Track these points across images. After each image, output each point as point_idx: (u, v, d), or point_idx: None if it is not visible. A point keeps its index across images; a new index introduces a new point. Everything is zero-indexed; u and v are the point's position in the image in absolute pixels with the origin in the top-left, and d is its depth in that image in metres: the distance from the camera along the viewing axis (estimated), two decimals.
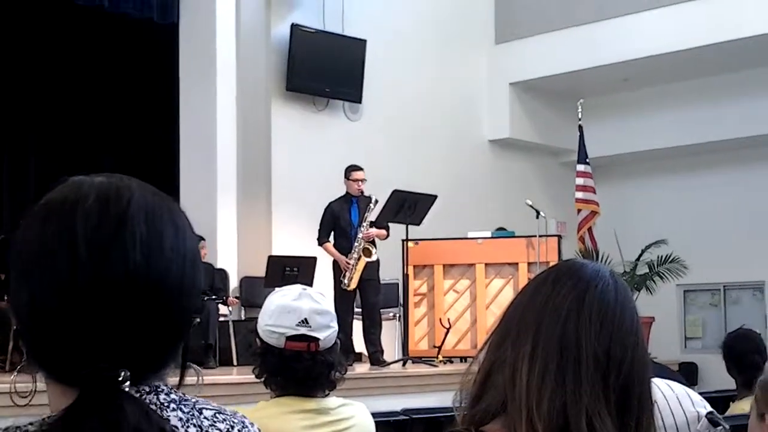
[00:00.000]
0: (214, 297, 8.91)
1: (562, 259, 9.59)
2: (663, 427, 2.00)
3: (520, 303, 1.34)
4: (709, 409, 2.03)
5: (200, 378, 1.15)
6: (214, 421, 1.14)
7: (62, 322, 1.04)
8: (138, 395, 1.05)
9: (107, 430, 0.98)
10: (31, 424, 1.05)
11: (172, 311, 1.09)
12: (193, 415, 1.12)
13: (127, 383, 1.02)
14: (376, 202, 8.59)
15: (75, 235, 1.05)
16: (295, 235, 9.84)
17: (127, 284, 1.05)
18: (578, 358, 1.27)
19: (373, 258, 8.54)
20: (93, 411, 0.99)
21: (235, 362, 8.80)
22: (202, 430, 1.12)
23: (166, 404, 1.10)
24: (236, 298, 9.57)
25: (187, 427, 1.10)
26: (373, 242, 8.58)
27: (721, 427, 2.01)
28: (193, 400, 1.14)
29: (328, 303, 2.67)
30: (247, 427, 1.18)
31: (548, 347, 1.27)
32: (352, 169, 8.78)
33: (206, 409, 1.15)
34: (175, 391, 1.12)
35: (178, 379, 1.14)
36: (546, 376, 1.25)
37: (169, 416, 1.09)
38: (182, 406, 1.12)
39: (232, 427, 1.15)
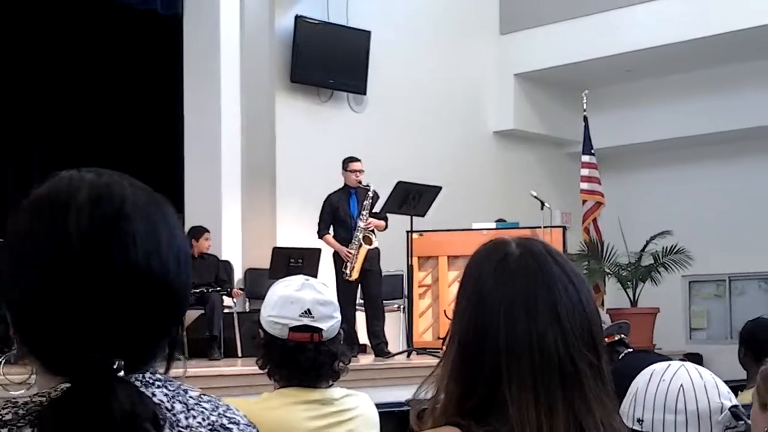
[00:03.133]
0: (218, 289, 8.91)
1: (567, 251, 9.62)
2: (684, 410, 1.99)
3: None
4: (735, 402, 2.02)
5: (185, 369, 1.17)
6: (200, 401, 1.17)
7: (57, 316, 1.06)
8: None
9: (99, 411, 1.01)
10: (25, 403, 1.07)
11: (167, 306, 1.12)
12: (178, 393, 1.15)
13: (122, 372, 1.05)
14: (375, 192, 8.59)
15: (67, 231, 1.07)
16: (300, 226, 9.84)
17: (126, 280, 1.08)
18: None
19: (374, 245, 8.54)
20: (86, 394, 1.02)
21: (239, 354, 8.82)
22: (187, 406, 1.15)
23: (151, 382, 1.13)
24: (241, 289, 9.58)
25: (173, 402, 1.13)
26: (372, 231, 8.58)
27: (743, 422, 2.01)
28: (178, 383, 1.17)
29: (331, 293, 2.67)
30: (231, 409, 1.20)
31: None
32: (349, 160, 8.78)
33: (191, 390, 1.18)
34: (160, 374, 1.15)
35: (164, 369, 1.16)
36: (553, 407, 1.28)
37: (154, 392, 1.12)
38: (167, 385, 1.15)
39: (217, 407, 1.18)
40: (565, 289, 1.33)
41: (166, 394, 1.13)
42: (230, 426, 1.18)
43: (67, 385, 1.05)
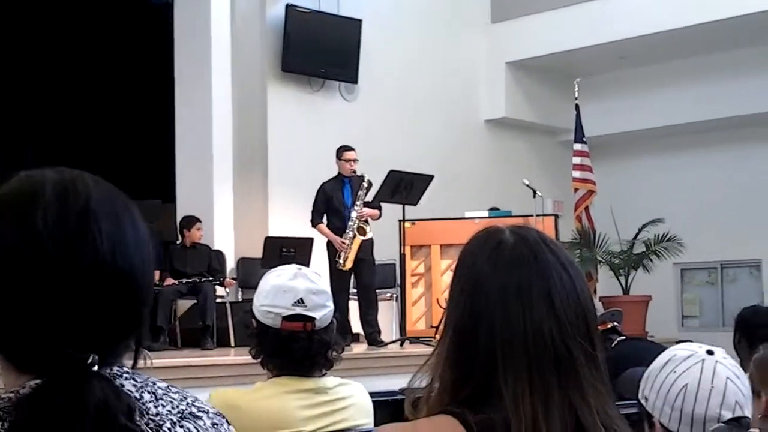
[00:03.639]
0: (211, 278, 8.90)
1: (559, 239, 9.63)
2: (681, 409, 1.97)
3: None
4: (741, 413, 1.99)
5: (150, 362, 1.19)
6: (168, 391, 1.19)
7: (27, 312, 1.08)
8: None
9: (74, 404, 1.03)
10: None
11: (132, 301, 1.14)
12: (146, 384, 1.18)
13: (95, 367, 1.07)
14: (369, 182, 8.57)
15: (36, 227, 1.08)
16: (292, 216, 9.82)
17: (94, 275, 1.10)
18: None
19: (368, 236, 8.53)
20: (62, 389, 1.04)
21: (232, 343, 8.81)
22: (156, 396, 1.17)
23: (119, 374, 1.15)
24: (233, 279, 9.57)
25: (142, 392, 1.15)
26: (366, 221, 8.57)
27: None
28: (146, 375, 1.19)
29: (324, 282, 2.66)
30: (199, 400, 1.23)
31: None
32: (344, 149, 8.76)
33: (159, 382, 1.20)
34: (128, 367, 1.18)
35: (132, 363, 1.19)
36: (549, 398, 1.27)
37: (122, 383, 1.14)
38: (135, 377, 1.17)
39: (186, 397, 1.20)
40: (560, 277, 1.33)
41: (134, 385, 1.15)
42: (200, 414, 1.20)
43: (36, 382, 1.06)
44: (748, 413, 2.00)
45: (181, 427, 1.15)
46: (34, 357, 1.07)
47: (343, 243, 8.42)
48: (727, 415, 1.96)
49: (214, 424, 1.21)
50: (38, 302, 1.07)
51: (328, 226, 8.62)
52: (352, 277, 8.63)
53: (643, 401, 2.06)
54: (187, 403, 1.20)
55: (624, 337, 5.74)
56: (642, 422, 2.05)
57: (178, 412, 1.17)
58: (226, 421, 1.24)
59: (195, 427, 1.18)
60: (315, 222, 8.65)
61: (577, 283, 1.35)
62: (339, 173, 8.74)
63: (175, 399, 1.18)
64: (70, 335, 1.08)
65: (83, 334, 1.09)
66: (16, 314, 1.08)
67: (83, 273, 1.09)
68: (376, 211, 8.70)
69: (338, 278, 8.31)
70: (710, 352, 2.02)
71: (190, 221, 9.11)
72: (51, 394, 1.04)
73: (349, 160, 8.64)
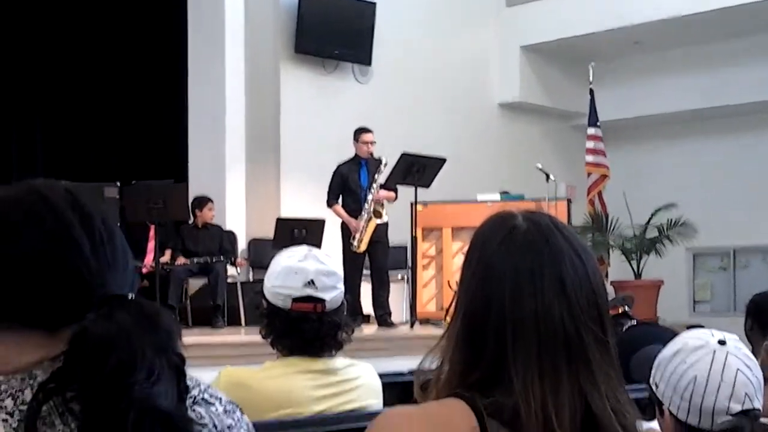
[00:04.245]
0: (222, 258, 8.92)
1: (572, 223, 9.61)
2: (690, 400, 1.96)
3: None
4: (751, 405, 1.97)
5: None
6: None
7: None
8: None
9: (136, 316, 1.11)
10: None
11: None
12: None
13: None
14: (386, 164, 8.57)
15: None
16: (304, 197, 9.83)
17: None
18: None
19: (384, 219, 8.53)
20: (115, 311, 1.11)
21: (243, 323, 8.84)
22: None
23: None
24: (244, 259, 9.59)
25: None
26: (382, 204, 8.57)
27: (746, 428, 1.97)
28: None
29: (334, 264, 2.66)
30: (212, 388, 1.26)
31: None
32: (361, 131, 8.75)
33: None
34: None
35: None
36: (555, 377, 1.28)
37: None
38: None
39: (198, 385, 1.25)
40: (572, 263, 1.33)
41: None
42: (212, 401, 1.22)
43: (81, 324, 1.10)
44: (758, 404, 1.99)
45: (193, 411, 1.16)
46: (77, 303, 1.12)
47: (358, 225, 8.42)
48: (737, 407, 1.94)
49: (226, 411, 1.22)
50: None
51: (343, 207, 8.62)
52: (366, 258, 8.64)
53: (653, 387, 2.05)
54: (199, 390, 1.21)
55: (635, 322, 5.73)
56: (653, 406, 2.05)
57: (191, 398, 1.18)
58: (239, 409, 1.25)
59: (207, 413, 1.19)
60: (330, 203, 8.65)
61: (590, 269, 1.34)
62: (356, 155, 8.73)
63: (188, 386, 1.19)
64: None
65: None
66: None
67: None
68: (392, 194, 8.70)
69: (351, 260, 8.32)
70: (722, 342, 2.00)
71: (202, 201, 9.12)
72: (109, 313, 1.10)
73: (367, 143, 8.63)
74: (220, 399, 1.23)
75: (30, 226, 1.14)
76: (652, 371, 2.06)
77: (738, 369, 1.96)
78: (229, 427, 1.21)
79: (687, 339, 2.05)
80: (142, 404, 1.05)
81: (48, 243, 1.13)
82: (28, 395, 1.08)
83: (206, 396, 1.21)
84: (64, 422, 1.07)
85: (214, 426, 1.18)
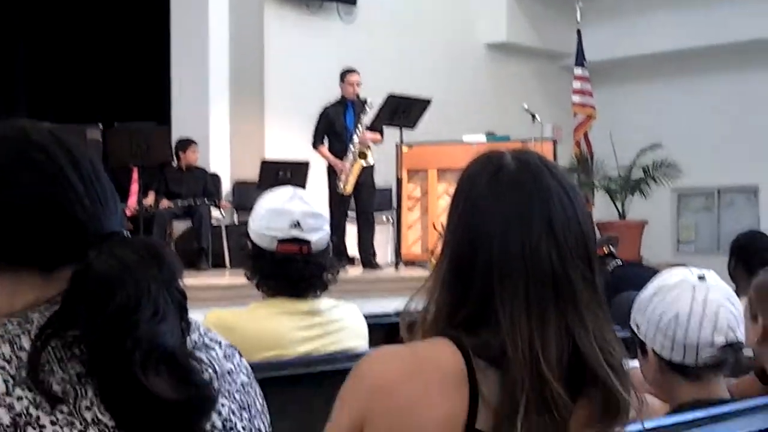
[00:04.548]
0: (206, 201, 8.89)
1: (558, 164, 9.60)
2: (673, 338, 1.97)
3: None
4: (734, 338, 1.98)
5: None
6: None
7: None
8: None
9: (139, 247, 1.10)
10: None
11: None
12: None
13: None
14: (371, 104, 8.52)
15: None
16: (289, 139, 9.78)
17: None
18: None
19: (370, 162, 8.50)
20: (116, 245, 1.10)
21: (228, 265, 8.84)
22: None
23: None
24: (229, 202, 9.56)
25: None
26: (368, 146, 8.53)
27: (730, 360, 1.98)
28: None
29: (320, 205, 2.64)
30: (211, 332, 1.26)
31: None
32: (347, 72, 8.68)
33: None
34: None
35: None
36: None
37: None
38: None
39: (198, 329, 1.24)
40: (561, 202, 1.31)
41: None
42: (213, 345, 1.21)
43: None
44: (741, 336, 2.00)
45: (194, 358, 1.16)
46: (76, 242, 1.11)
47: (344, 166, 8.39)
48: (721, 339, 1.95)
49: (226, 355, 1.22)
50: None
51: (329, 149, 8.58)
52: (351, 200, 8.63)
53: (634, 328, 2.05)
54: (199, 334, 1.21)
55: (620, 262, 5.75)
56: (635, 347, 2.05)
57: (192, 342, 1.17)
58: (238, 352, 1.25)
59: (208, 358, 1.18)
60: (316, 145, 8.62)
61: (578, 208, 1.33)
62: (342, 96, 8.67)
63: (189, 323, 1.18)
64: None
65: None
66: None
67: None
68: (378, 136, 8.66)
69: (337, 201, 8.31)
70: (701, 277, 2.01)
71: (186, 143, 9.06)
72: (111, 249, 1.08)
73: (353, 84, 8.58)
74: (220, 343, 1.22)
75: (23, 168, 1.13)
76: (632, 313, 2.06)
77: (719, 303, 1.98)
78: (229, 372, 1.21)
79: (666, 277, 2.05)
80: (149, 343, 1.03)
81: (42, 185, 1.12)
82: (25, 341, 1.06)
83: (206, 340, 1.21)
84: (62, 369, 1.05)
85: (215, 371, 1.17)
